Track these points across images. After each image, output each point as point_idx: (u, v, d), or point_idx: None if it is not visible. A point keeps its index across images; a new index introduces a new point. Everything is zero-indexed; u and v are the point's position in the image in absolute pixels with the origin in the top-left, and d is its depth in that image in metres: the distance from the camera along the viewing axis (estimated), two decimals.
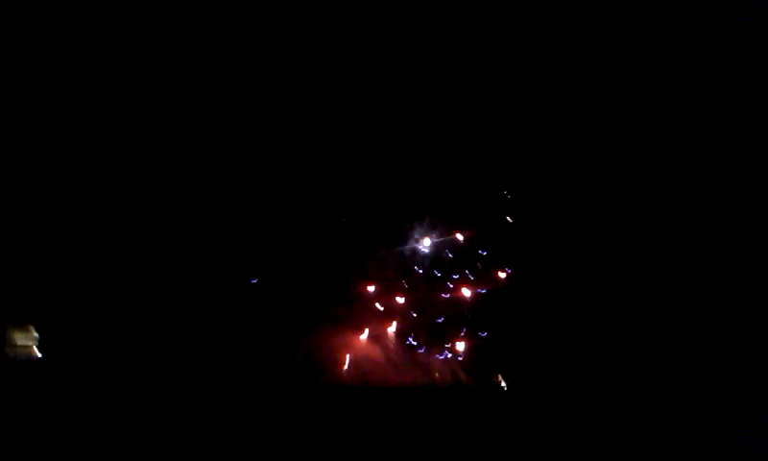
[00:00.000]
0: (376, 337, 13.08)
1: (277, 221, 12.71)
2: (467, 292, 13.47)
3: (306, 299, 12.60)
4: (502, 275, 13.58)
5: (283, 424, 10.86)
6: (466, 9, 13.07)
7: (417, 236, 13.36)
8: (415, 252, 13.35)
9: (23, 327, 11.60)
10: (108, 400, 10.62)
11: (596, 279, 13.16)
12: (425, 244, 13.34)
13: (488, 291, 13.51)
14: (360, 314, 13.04)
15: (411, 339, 13.09)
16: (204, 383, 11.30)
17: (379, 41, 12.92)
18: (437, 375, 13.15)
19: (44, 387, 10.75)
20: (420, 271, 13.36)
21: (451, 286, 13.45)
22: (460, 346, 13.25)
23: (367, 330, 13.01)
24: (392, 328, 13.17)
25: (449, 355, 13.23)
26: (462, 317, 13.39)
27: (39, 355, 11.57)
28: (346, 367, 12.75)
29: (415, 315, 13.25)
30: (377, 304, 13.16)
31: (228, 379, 11.52)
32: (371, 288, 13.16)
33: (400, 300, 13.26)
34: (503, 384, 13.15)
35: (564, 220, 13.50)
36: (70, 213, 11.90)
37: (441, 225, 13.46)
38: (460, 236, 13.51)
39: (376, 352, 12.97)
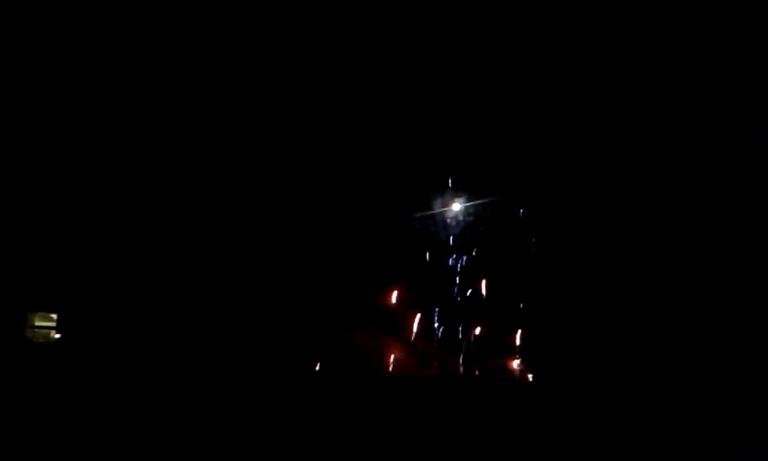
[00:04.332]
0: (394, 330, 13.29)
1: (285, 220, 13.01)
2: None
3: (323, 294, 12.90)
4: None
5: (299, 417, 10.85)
6: (466, 9, 13.12)
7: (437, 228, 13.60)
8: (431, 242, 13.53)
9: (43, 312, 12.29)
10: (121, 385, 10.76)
11: (608, 275, 13.17)
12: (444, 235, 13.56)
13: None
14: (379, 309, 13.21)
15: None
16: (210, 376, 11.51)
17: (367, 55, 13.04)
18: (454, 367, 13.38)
19: (62, 370, 11.05)
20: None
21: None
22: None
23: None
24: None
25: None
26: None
27: (57, 338, 12.17)
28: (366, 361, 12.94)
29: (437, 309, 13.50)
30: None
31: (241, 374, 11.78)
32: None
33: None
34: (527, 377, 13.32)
35: (576, 219, 13.52)
36: (84, 210, 12.31)
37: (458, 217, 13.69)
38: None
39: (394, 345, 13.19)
